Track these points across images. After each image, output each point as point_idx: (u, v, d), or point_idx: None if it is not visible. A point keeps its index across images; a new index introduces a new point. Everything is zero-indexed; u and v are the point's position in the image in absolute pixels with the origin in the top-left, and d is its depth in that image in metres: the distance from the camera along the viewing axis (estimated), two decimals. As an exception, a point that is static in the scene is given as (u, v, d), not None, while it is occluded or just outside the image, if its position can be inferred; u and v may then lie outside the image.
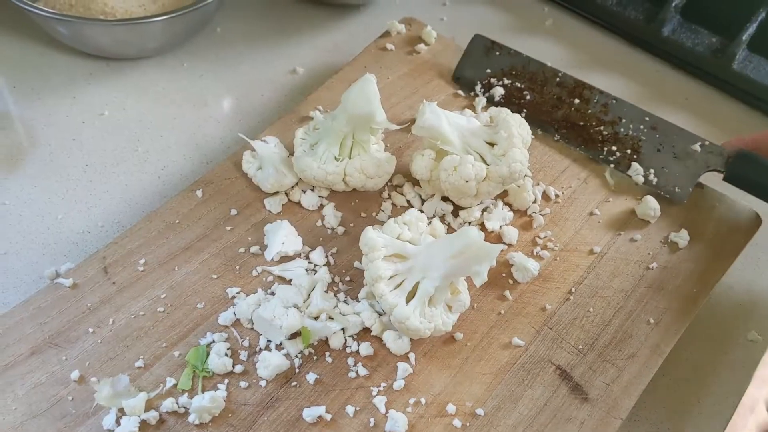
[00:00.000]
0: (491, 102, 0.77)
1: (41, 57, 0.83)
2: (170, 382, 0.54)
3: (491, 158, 0.64)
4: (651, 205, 0.70)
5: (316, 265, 0.62)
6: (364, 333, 0.58)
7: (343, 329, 0.57)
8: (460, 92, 0.79)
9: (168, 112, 0.79)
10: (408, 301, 0.55)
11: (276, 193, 0.66)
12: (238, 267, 0.62)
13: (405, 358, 0.57)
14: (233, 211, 0.66)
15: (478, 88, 0.78)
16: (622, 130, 0.73)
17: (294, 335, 0.56)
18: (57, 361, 0.54)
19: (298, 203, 0.67)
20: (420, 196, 0.69)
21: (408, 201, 0.69)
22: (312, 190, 0.67)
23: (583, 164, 0.74)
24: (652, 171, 0.71)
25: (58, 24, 0.76)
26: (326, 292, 0.59)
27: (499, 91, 0.77)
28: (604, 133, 0.74)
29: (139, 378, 0.54)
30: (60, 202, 0.70)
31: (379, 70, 0.80)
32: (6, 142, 0.74)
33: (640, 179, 0.71)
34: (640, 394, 0.57)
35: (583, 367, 0.58)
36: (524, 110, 0.75)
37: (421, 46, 0.83)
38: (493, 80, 0.77)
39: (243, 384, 0.54)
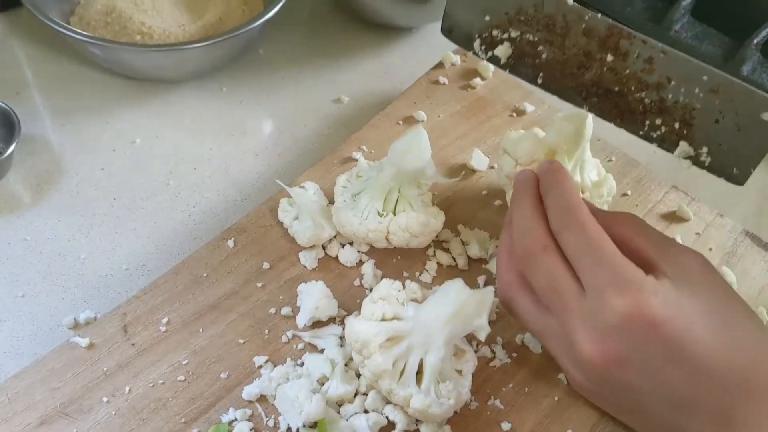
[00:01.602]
0: (495, 63, 0.58)
1: (75, 75, 0.79)
2: (187, 464, 0.49)
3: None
4: (727, 278, 0.63)
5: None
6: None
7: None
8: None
9: (204, 142, 0.74)
10: (418, 383, 0.50)
11: (312, 246, 0.61)
12: (267, 330, 0.57)
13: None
14: (266, 265, 0.60)
15: (476, 44, 0.58)
16: (670, 96, 0.55)
17: (314, 424, 0.51)
18: (67, 433, 0.50)
19: (336, 258, 0.62)
20: (467, 255, 0.63)
21: (454, 258, 0.63)
22: (351, 244, 0.62)
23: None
24: (705, 149, 0.56)
25: (92, 47, 0.71)
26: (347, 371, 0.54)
27: (504, 50, 0.57)
28: (647, 101, 0.56)
29: (154, 457, 0.50)
30: (84, 241, 0.65)
31: (429, 107, 0.74)
32: (34, 169, 0.70)
33: (686, 163, 0.56)
34: None
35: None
36: (540, 75, 0.58)
37: (477, 80, 0.77)
38: (495, 32, 0.56)
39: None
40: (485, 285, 0.61)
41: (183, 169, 0.72)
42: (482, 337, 0.52)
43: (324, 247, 0.62)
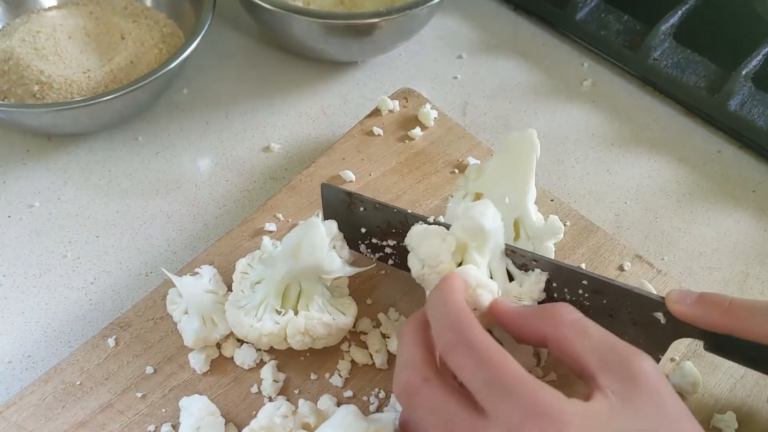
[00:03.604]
0: (384, 261, 0.57)
1: (-26, 128, 0.71)
2: None
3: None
4: (689, 377, 0.54)
5: (238, 458, 0.48)
6: None
7: None
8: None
9: (110, 203, 0.67)
10: None
11: (205, 346, 0.53)
12: (142, 454, 0.49)
13: None
14: (149, 369, 0.53)
15: (362, 248, 0.57)
16: (556, 295, 0.52)
17: None
18: None
19: (232, 359, 0.54)
20: (387, 350, 0.55)
21: (371, 355, 0.54)
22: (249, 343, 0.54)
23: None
24: None
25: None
26: None
27: (388, 254, 0.56)
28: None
29: None
30: (-38, 329, 0.58)
31: (360, 164, 0.65)
32: None
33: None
34: None
35: None
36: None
37: (417, 130, 0.67)
38: (375, 240, 0.56)
39: None
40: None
41: (84, 237, 0.64)
42: None
43: (219, 346, 0.54)
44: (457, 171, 0.66)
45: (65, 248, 0.64)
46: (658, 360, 0.51)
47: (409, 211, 0.53)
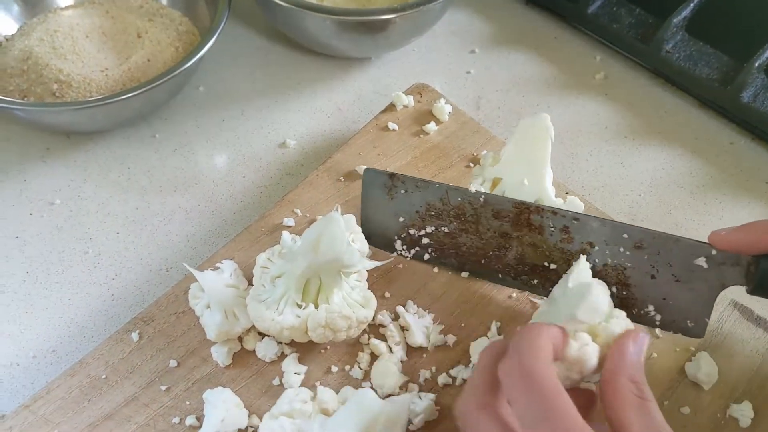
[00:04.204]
0: (419, 259, 0.58)
1: (-5, 126, 0.72)
2: None
3: None
4: (705, 367, 0.54)
5: (262, 449, 0.49)
6: None
7: None
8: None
9: (129, 200, 0.68)
10: None
11: (227, 339, 0.54)
12: (168, 446, 0.50)
13: None
14: (173, 363, 0.54)
15: (398, 245, 0.58)
16: (597, 260, 0.52)
17: None
18: None
19: (254, 352, 0.54)
20: (406, 343, 0.55)
21: (390, 348, 0.55)
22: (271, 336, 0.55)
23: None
24: (651, 307, 0.53)
25: (5, 110, 0.64)
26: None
27: (424, 246, 0.57)
28: None
29: None
30: (-12, 325, 0.59)
31: (375, 158, 0.66)
32: (-58, 239, 0.64)
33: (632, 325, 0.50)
34: None
35: None
36: (466, 266, 0.58)
37: (431, 125, 0.68)
38: (412, 231, 0.57)
39: None
40: (425, 381, 0.54)
41: (104, 234, 0.65)
42: None
43: (241, 339, 0.55)
44: (472, 165, 0.66)
45: (86, 245, 0.65)
46: (705, 324, 0.51)
47: (451, 185, 0.55)
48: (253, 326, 0.54)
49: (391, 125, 0.68)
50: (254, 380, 0.53)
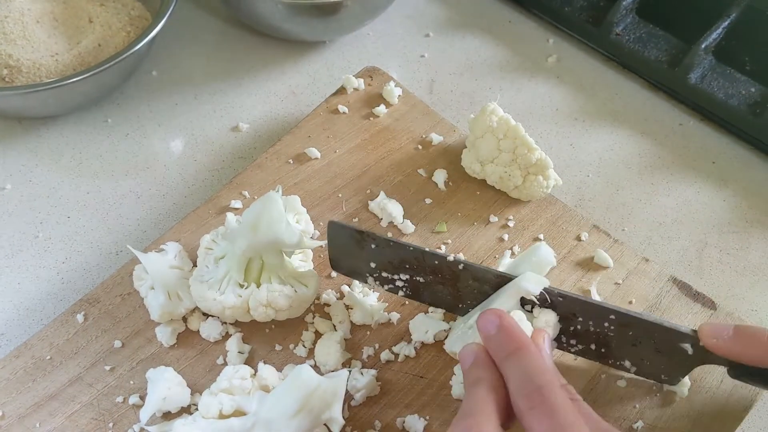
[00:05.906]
0: (394, 293, 0.55)
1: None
2: None
3: None
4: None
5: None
6: None
7: None
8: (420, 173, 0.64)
9: (81, 184, 0.68)
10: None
11: (171, 320, 0.55)
12: (111, 424, 0.51)
13: None
14: (117, 343, 0.54)
15: (370, 281, 0.55)
16: (579, 327, 0.52)
17: None
18: None
19: (198, 332, 0.55)
20: (350, 321, 0.56)
21: (334, 326, 0.56)
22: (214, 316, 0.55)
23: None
24: (627, 362, 0.53)
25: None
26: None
27: (399, 287, 0.54)
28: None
29: None
30: (-64, 310, 0.60)
31: (325, 141, 0.67)
32: None
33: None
34: None
35: None
36: (441, 306, 0.56)
37: (381, 108, 0.68)
38: (385, 274, 0.54)
39: None
40: (368, 357, 0.55)
41: (55, 218, 0.66)
42: (336, 429, 0.47)
43: (185, 320, 0.56)
44: (420, 147, 0.67)
45: (37, 229, 0.65)
46: (679, 379, 0.53)
47: (427, 249, 0.52)
48: (198, 307, 0.55)
49: (342, 108, 0.68)
50: (198, 359, 0.54)
